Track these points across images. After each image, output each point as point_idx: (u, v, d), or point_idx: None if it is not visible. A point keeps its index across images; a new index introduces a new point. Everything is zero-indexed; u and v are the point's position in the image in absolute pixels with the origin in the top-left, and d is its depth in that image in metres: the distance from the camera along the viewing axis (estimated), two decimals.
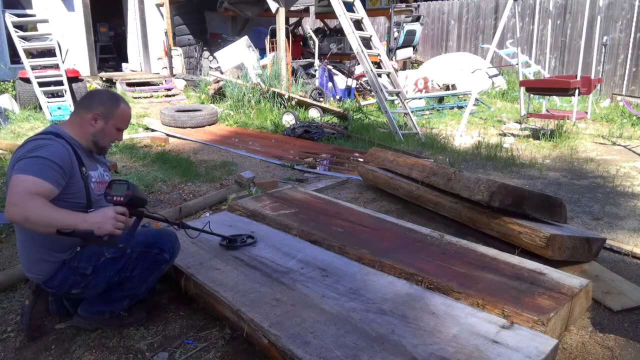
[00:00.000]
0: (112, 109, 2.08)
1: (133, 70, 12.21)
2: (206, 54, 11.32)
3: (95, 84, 10.13)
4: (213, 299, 2.16)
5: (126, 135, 6.63)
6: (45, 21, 8.38)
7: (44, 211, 1.75)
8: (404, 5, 12.17)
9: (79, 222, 1.79)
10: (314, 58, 10.02)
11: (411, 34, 10.60)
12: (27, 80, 7.66)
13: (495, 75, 10.85)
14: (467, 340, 1.75)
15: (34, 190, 1.77)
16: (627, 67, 9.48)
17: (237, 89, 8.41)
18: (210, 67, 10.80)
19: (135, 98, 9.81)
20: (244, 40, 9.99)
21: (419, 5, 13.29)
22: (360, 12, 7.75)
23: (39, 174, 1.81)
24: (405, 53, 10.89)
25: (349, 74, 9.67)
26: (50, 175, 1.84)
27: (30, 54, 8.04)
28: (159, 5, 11.92)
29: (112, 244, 1.87)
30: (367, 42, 7.62)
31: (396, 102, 7.73)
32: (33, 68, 7.62)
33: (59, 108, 7.34)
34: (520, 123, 7.46)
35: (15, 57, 9.04)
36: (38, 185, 1.79)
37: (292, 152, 5.80)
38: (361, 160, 4.81)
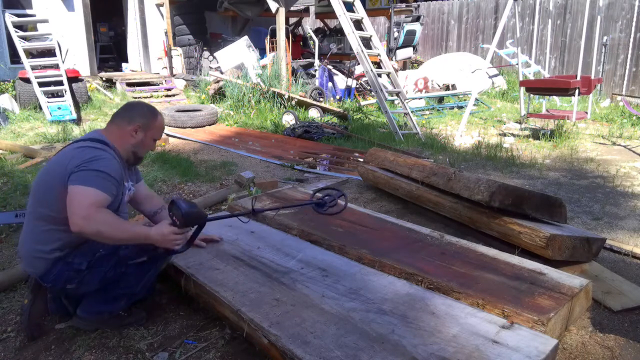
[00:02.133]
0: (150, 121, 2.19)
1: (133, 70, 12.21)
2: (206, 54, 11.32)
3: (95, 84, 10.14)
4: (213, 299, 2.16)
5: None
6: (45, 21, 8.37)
7: (113, 226, 1.90)
8: (404, 5, 12.17)
9: (142, 239, 1.97)
10: (314, 58, 10.02)
11: (411, 34, 10.60)
12: (27, 80, 7.65)
13: (495, 75, 10.85)
14: (467, 340, 1.75)
15: (99, 203, 1.89)
16: (627, 67, 9.48)
17: (237, 89, 8.41)
18: (210, 67, 10.80)
19: (135, 98, 9.81)
20: (244, 40, 9.99)
21: (419, 5, 13.29)
22: (360, 12, 7.75)
23: (100, 186, 1.91)
24: (405, 53, 10.89)
25: (349, 74, 9.66)
26: (108, 188, 1.95)
27: (30, 54, 8.03)
28: (159, 5, 11.92)
29: (171, 252, 2.09)
30: (367, 42, 7.62)
31: (396, 102, 7.73)
32: (33, 68, 7.62)
33: (59, 108, 7.33)
34: (520, 123, 7.46)
35: (15, 57, 9.04)
36: (100, 198, 1.90)
37: (292, 152, 5.80)
38: (361, 160, 4.81)
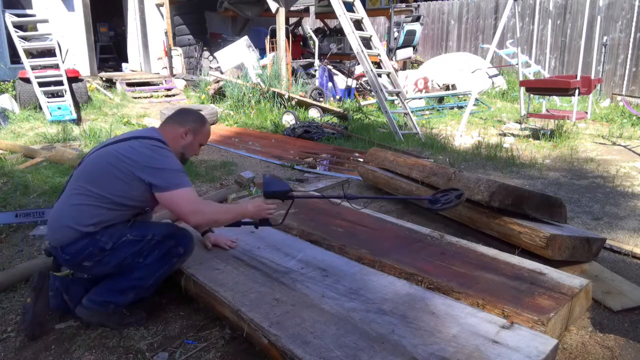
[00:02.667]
0: (199, 126, 2.36)
1: (133, 70, 12.21)
2: (206, 54, 11.32)
3: (95, 84, 10.14)
4: (213, 299, 2.16)
5: None
6: (45, 21, 8.37)
7: (221, 210, 2.26)
8: (404, 5, 12.17)
9: (242, 214, 2.29)
10: (314, 58, 10.02)
11: (411, 34, 10.60)
12: (27, 80, 7.65)
13: (495, 75, 10.85)
14: (467, 340, 1.75)
15: (196, 196, 2.16)
16: (627, 67, 9.48)
17: (237, 89, 8.41)
18: (210, 67, 10.80)
19: (135, 98, 9.81)
20: (244, 40, 9.99)
21: (419, 5, 13.28)
22: (360, 12, 7.75)
23: (187, 183, 2.15)
24: (405, 53, 10.89)
25: (349, 74, 9.67)
26: (189, 182, 2.17)
27: (30, 54, 8.03)
28: (159, 5, 11.92)
29: (267, 224, 2.38)
30: (367, 42, 7.62)
31: (396, 102, 7.73)
32: (33, 68, 7.61)
33: (59, 108, 7.33)
34: (520, 123, 7.46)
35: (15, 57, 9.03)
36: (194, 192, 2.16)
37: (292, 152, 5.80)
38: (361, 160, 4.81)
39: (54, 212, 2.19)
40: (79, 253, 2.10)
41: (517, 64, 8.17)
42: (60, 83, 7.63)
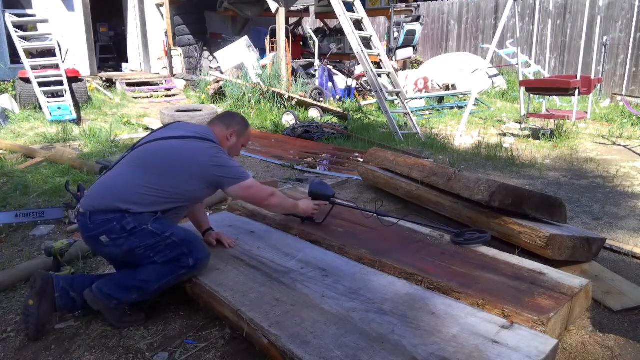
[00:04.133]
0: (244, 130, 2.56)
1: (133, 70, 12.21)
2: (206, 54, 11.32)
3: (95, 84, 10.14)
4: (213, 299, 2.16)
5: (126, 135, 6.64)
6: (45, 21, 8.37)
7: (285, 198, 2.59)
8: (404, 5, 12.18)
9: (294, 208, 2.65)
10: (314, 58, 10.02)
11: (411, 34, 10.61)
12: (27, 80, 7.65)
13: (495, 75, 10.85)
14: (467, 340, 1.75)
15: (259, 183, 2.51)
16: (627, 67, 9.48)
17: (237, 89, 8.41)
18: (210, 67, 10.80)
19: (135, 98, 9.81)
20: (244, 40, 9.99)
21: (419, 5, 13.29)
22: (360, 12, 7.75)
23: (248, 174, 2.40)
24: (405, 53, 10.89)
25: (349, 74, 9.67)
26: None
27: (30, 54, 8.03)
28: (159, 5, 11.92)
29: (311, 220, 2.82)
30: (367, 42, 7.62)
31: (396, 102, 7.74)
32: (33, 68, 7.62)
33: (59, 108, 7.33)
34: (520, 123, 7.46)
35: (15, 57, 9.04)
36: (255, 181, 2.47)
37: (292, 152, 5.80)
38: (361, 160, 4.81)
39: (104, 183, 2.26)
40: (103, 224, 2.14)
41: (517, 64, 8.17)
42: (60, 83, 7.63)
